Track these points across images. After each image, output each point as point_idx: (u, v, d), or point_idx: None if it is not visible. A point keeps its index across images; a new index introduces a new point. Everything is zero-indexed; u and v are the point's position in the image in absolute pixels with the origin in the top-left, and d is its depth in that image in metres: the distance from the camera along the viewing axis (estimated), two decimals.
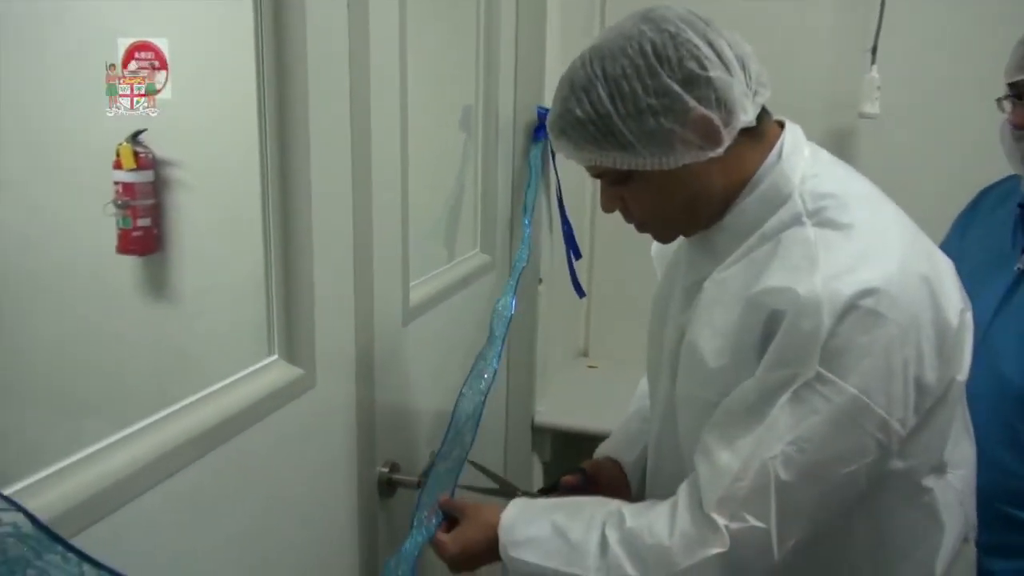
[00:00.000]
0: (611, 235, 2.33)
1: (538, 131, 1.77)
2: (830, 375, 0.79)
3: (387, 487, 1.20)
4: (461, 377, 1.58)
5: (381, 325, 1.16)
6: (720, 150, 0.86)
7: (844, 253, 0.82)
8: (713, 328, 0.89)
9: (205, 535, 0.82)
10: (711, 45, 0.85)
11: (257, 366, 0.92)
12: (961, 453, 0.95)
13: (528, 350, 1.91)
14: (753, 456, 0.82)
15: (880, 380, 0.79)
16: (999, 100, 1.30)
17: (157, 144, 1.62)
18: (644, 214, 0.94)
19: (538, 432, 2.00)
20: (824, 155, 0.95)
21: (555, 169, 1.85)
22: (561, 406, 2.04)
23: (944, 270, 0.88)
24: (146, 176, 1.63)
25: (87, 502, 0.66)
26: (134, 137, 1.62)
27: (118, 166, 1.62)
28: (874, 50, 1.90)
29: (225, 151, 1.50)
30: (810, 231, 0.85)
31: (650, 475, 1.12)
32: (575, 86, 0.88)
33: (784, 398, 0.80)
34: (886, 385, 0.80)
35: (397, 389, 1.24)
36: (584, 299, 2.37)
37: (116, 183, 1.62)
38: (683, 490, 0.88)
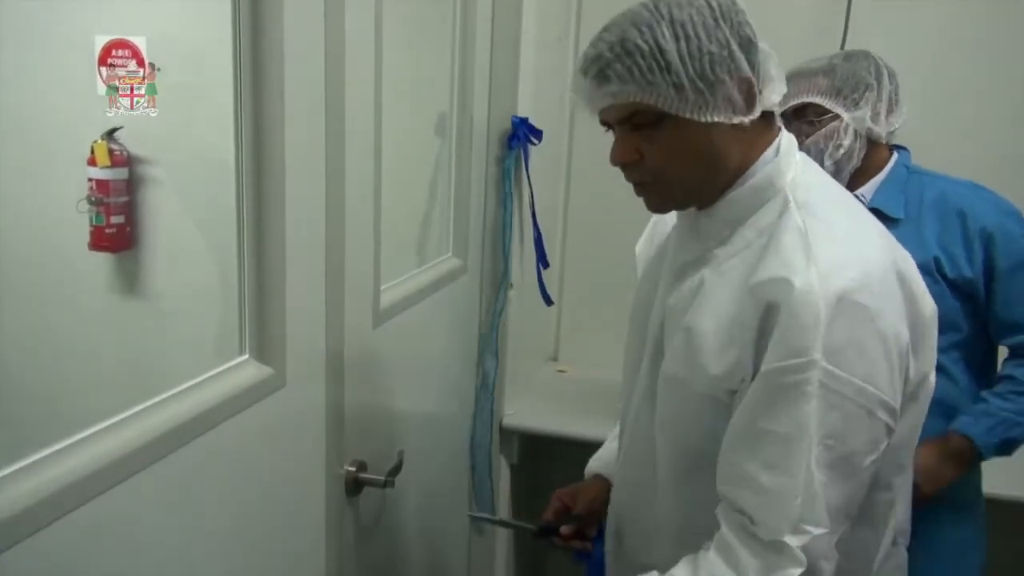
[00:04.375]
0: (582, 243, 2.37)
1: (512, 140, 1.80)
2: (839, 371, 0.81)
3: (354, 486, 1.22)
4: (431, 378, 1.61)
5: (352, 327, 1.18)
6: (747, 119, 0.89)
7: (833, 248, 0.85)
8: (716, 320, 0.90)
9: (172, 532, 0.84)
10: (751, 27, 0.91)
11: (227, 365, 0.94)
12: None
13: (499, 351, 1.94)
14: (798, 470, 0.83)
15: (881, 369, 0.84)
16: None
17: (132, 142, 1.63)
18: (658, 167, 0.93)
19: (506, 435, 2.03)
20: (811, 162, 0.99)
21: (528, 178, 1.88)
22: (530, 410, 2.07)
23: (913, 269, 0.94)
24: (120, 174, 1.64)
25: (55, 496, 0.67)
26: (110, 134, 1.63)
27: (92, 163, 1.62)
28: None
29: (201, 150, 1.51)
30: (800, 223, 0.88)
31: (623, 455, 1.12)
32: (638, 22, 0.88)
33: (804, 405, 0.82)
34: (887, 373, 0.84)
35: (366, 390, 1.26)
36: (555, 304, 2.40)
37: (90, 180, 1.63)
38: (728, 527, 0.87)
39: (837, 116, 1.43)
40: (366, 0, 1.14)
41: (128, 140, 1.62)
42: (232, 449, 0.92)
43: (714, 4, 0.89)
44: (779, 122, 0.97)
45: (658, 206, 1.00)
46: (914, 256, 1.35)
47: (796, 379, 0.82)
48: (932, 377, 0.94)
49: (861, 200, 1.46)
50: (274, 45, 0.92)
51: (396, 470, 1.28)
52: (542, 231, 1.99)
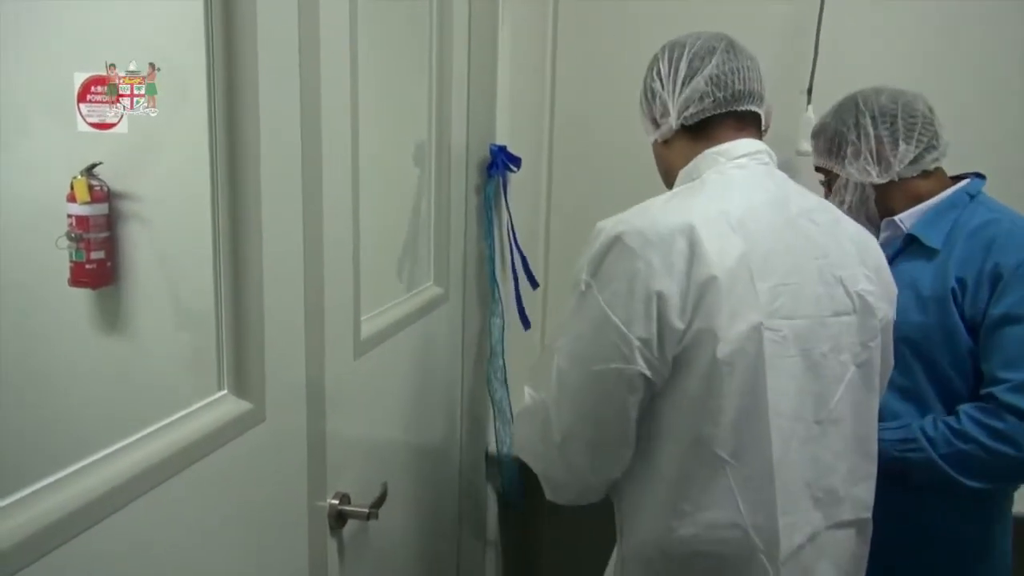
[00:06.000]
0: (565, 266, 2.38)
1: (491, 167, 1.81)
2: (595, 291, 1.05)
3: (337, 519, 1.22)
4: (414, 408, 1.60)
5: (332, 359, 1.18)
6: (656, 136, 1.22)
7: (647, 210, 1.07)
8: None
9: (153, 570, 0.83)
10: (671, 64, 1.17)
11: (205, 401, 0.93)
12: (759, 461, 1.04)
13: (482, 379, 1.94)
14: (550, 345, 1.12)
15: (622, 299, 1.02)
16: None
17: (112, 177, 1.63)
18: None
19: (492, 463, 2.02)
20: (755, 168, 1.14)
21: (507, 204, 1.89)
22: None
23: (724, 247, 1.01)
24: (100, 209, 1.64)
25: (33, 538, 0.67)
26: (89, 170, 1.63)
27: (72, 199, 1.62)
28: (809, 91, 1.99)
29: (179, 184, 1.52)
30: (662, 196, 1.11)
31: None
32: None
33: (571, 305, 1.09)
34: (627, 305, 1.01)
35: (348, 422, 1.26)
36: (539, 328, 2.41)
37: (69, 216, 1.63)
38: None
39: (837, 174, 1.47)
40: (340, 30, 1.15)
41: (107, 175, 1.63)
42: (212, 486, 0.91)
43: (651, 57, 1.22)
44: (724, 128, 1.16)
45: None
46: (935, 288, 1.35)
47: (575, 289, 1.08)
48: (728, 347, 0.99)
49: (901, 225, 1.44)
50: (248, 74, 0.92)
51: (380, 502, 1.28)
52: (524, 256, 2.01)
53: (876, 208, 1.47)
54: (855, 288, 1.11)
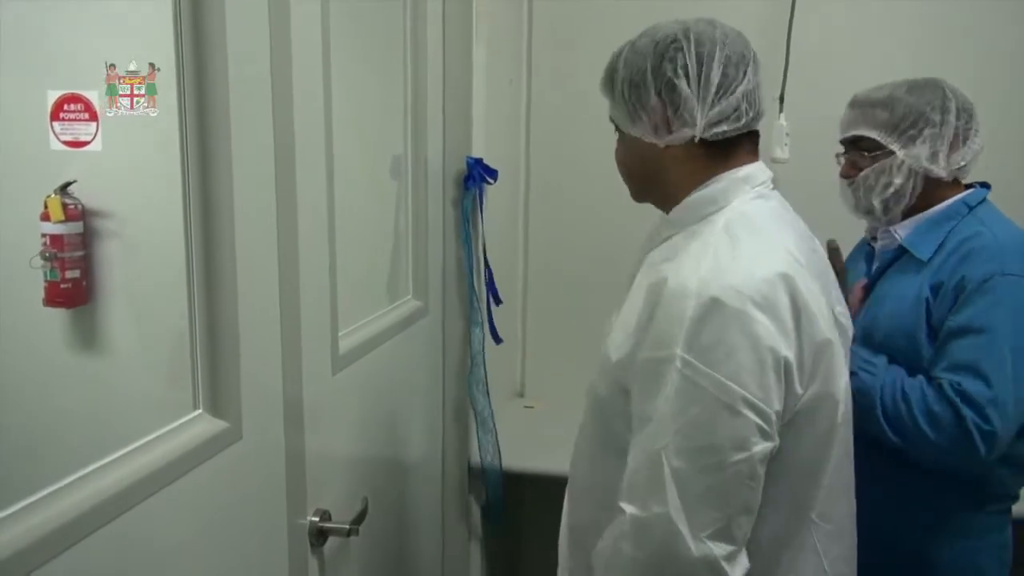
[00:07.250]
0: (544, 277, 2.39)
1: (468, 180, 1.82)
2: (701, 366, 0.88)
3: (318, 536, 1.21)
4: (394, 422, 1.60)
5: (310, 375, 1.17)
6: (661, 142, 1.02)
7: (725, 259, 0.92)
8: (626, 314, 0.99)
9: None
10: (701, 64, 0.98)
11: (180, 421, 0.93)
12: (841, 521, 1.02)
13: (463, 392, 1.93)
14: (646, 448, 0.92)
15: (751, 370, 0.88)
16: (837, 156, 1.48)
17: (87, 194, 1.62)
18: (618, 164, 1.12)
19: (475, 474, 2.02)
20: (771, 195, 1.05)
21: (481, 217, 1.90)
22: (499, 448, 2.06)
23: (817, 303, 0.95)
24: (75, 228, 1.63)
25: (3, 563, 0.66)
26: (63, 189, 1.62)
27: (46, 218, 1.61)
28: (781, 98, 2.01)
29: (154, 201, 1.51)
30: (716, 235, 0.96)
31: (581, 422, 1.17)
32: (619, 47, 1.07)
33: (667, 391, 0.90)
34: (758, 376, 0.88)
35: (327, 438, 1.25)
36: (519, 340, 2.42)
37: (43, 235, 1.61)
38: None
39: (892, 152, 1.35)
40: (312, 43, 1.15)
41: (82, 192, 1.62)
42: (189, 506, 0.91)
43: (659, 37, 1.01)
44: (744, 150, 1.04)
45: (631, 195, 1.14)
46: (914, 301, 1.31)
47: (659, 369, 0.90)
48: (843, 407, 0.96)
49: (895, 235, 1.40)
50: (219, 89, 0.92)
51: (361, 517, 1.27)
52: (503, 268, 2.01)
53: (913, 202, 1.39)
54: (835, 311, 1.08)
